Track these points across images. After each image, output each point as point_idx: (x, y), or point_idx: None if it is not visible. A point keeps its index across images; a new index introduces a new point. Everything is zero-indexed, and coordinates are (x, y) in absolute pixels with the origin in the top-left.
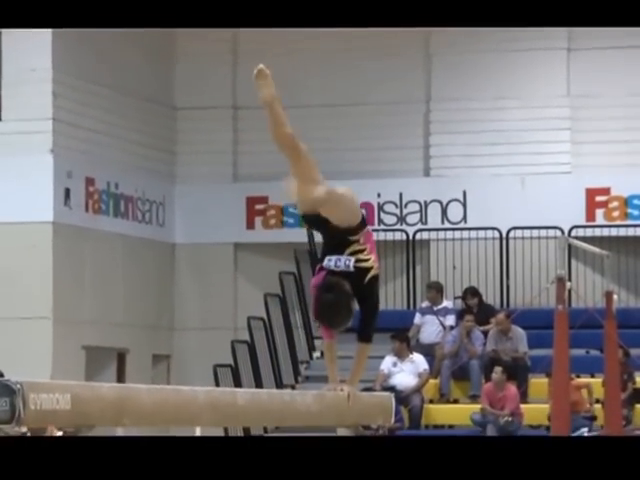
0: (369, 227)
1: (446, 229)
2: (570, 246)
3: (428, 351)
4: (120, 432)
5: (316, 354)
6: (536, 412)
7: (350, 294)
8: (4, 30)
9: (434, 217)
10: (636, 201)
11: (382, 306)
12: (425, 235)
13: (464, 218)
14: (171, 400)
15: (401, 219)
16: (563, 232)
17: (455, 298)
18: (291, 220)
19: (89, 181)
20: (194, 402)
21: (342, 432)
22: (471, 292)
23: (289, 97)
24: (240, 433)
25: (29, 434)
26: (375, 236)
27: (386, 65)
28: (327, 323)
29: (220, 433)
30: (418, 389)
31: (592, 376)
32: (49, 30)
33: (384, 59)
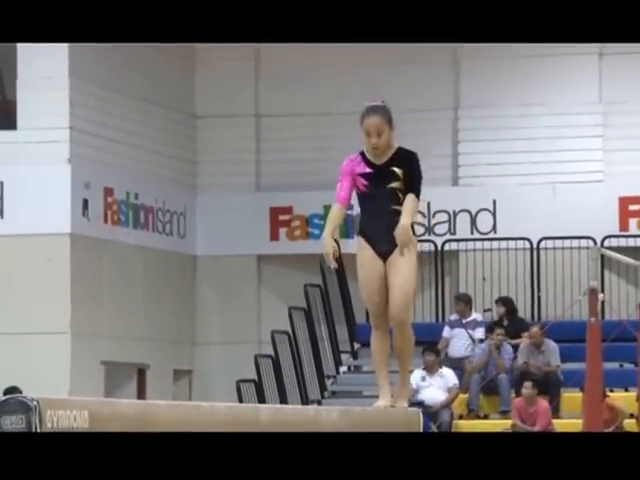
0: None
1: (475, 239)
2: (603, 257)
3: (457, 365)
4: None
5: (343, 368)
6: (568, 428)
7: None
8: None
9: (463, 227)
10: None
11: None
12: (454, 246)
13: (494, 228)
14: (192, 417)
15: (429, 229)
16: (595, 242)
17: (484, 311)
18: (316, 231)
19: (108, 191)
20: (215, 419)
21: None
22: (503, 301)
23: (313, 105)
24: None
25: None
26: None
27: (414, 72)
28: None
29: None
30: (447, 404)
31: (626, 390)
32: None
33: (412, 66)
